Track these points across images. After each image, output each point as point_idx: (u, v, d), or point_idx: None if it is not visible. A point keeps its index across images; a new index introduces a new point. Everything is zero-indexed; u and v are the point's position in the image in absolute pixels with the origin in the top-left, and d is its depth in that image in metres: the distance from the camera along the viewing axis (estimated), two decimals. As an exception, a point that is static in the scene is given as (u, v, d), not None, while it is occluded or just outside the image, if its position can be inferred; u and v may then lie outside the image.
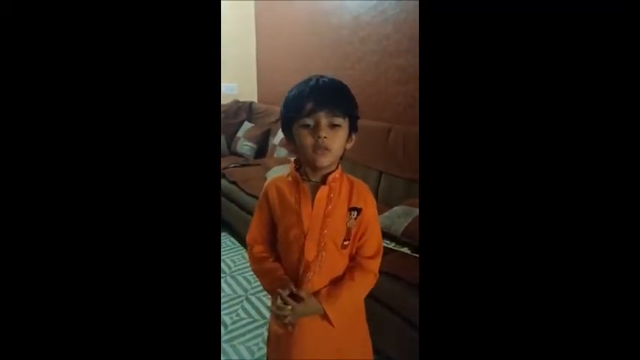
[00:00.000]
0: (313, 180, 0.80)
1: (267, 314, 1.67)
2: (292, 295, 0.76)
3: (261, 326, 1.60)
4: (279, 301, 0.76)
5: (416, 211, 1.49)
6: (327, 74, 0.79)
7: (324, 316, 0.79)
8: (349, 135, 0.78)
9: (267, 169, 2.27)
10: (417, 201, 1.60)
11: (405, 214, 1.49)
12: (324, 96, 0.73)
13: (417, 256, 1.38)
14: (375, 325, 0.93)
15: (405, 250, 1.41)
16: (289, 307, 0.75)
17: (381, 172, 2.01)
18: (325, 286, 0.81)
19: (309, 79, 0.76)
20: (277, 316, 0.77)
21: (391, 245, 1.44)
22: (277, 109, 2.97)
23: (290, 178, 0.83)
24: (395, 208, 1.58)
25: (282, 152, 2.60)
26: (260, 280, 0.88)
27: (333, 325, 0.79)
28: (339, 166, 0.82)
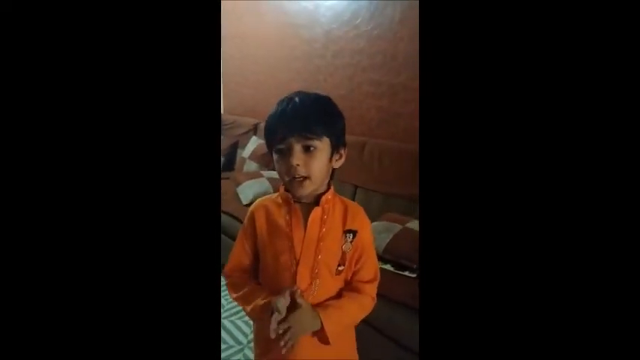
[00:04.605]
0: (305, 201, 0.74)
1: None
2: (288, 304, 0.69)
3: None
4: (276, 314, 0.67)
5: (397, 227, 1.48)
6: (297, 87, 0.74)
7: (319, 333, 0.71)
8: (336, 151, 0.72)
9: (238, 184, 2.18)
10: (397, 216, 1.59)
11: (386, 230, 1.46)
12: (295, 119, 0.67)
13: (401, 273, 1.36)
14: (359, 344, 0.89)
15: (388, 267, 1.38)
16: (286, 323, 0.67)
17: (356, 187, 1.99)
18: (323, 302, 0.74)
19: (283, 100, 0.70)
20: (276, 333, 0.67)
21: (373, 262, 1.41)
22: (246, 120, 2.89)
23: (280, 200, 0.76)
24: (374, 223, 1.56)
25: (252, 166, 2.51)
26: (243, 305, 0.78)
27: (328, 342, 0.71)
28: (332, 186, 0.77)
